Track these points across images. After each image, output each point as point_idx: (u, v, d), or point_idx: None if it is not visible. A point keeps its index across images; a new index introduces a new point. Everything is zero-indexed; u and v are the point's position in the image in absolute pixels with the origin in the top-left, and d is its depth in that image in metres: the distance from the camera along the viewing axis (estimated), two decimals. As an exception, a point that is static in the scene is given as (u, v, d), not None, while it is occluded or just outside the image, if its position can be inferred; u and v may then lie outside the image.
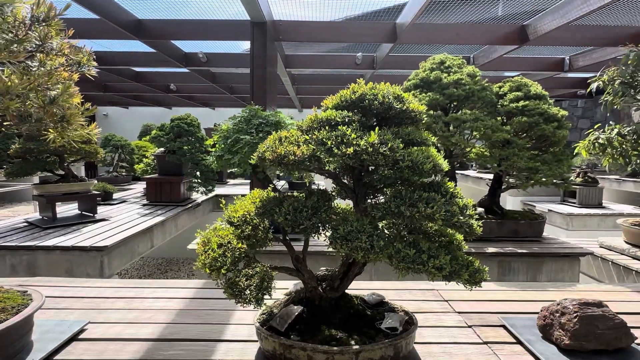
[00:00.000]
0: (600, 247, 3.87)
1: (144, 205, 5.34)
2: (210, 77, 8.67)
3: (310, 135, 1.18)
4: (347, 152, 1.08)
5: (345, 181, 1.45)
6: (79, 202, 4.45)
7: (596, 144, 3.50)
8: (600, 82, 3.48)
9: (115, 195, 5.85)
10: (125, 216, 4.57)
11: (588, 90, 3.59)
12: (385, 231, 1.46)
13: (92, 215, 4.31)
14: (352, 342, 1.30)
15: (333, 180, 1.41)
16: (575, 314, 1.49)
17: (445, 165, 1.20)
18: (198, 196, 5.99)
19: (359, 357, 1.28)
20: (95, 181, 5.36)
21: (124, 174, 8.21)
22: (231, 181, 9.00)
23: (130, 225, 4.07)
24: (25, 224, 4.02)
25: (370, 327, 1.42)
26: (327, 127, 1.18)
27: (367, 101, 1.21)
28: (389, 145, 1.09)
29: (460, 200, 1.17)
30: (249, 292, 1.17)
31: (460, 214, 1.12)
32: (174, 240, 5.42)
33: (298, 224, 1.16)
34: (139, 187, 7.37)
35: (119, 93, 11.14)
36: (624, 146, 3.45)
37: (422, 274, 1.11)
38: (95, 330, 1.73)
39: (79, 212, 4.46)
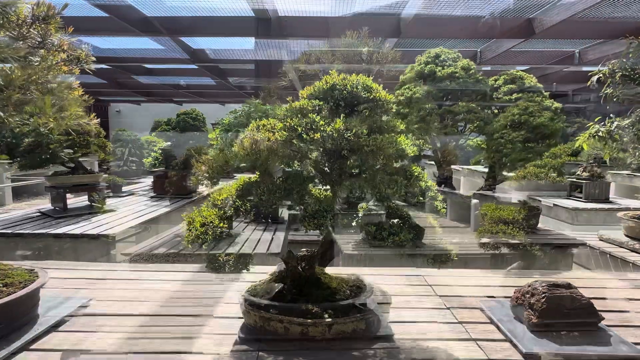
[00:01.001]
0: (600, 239, 3.87)
1: (151, 197, 5.51)
2: (219, 73, 8.81)
3: (284, 123, 1.28)
4: (315, 137, 1.17)
5: (326, 168, 1.54)
6: (89, 193, 4.63)
7: (596, 137, 3.50)
8: (601, 75, 3.46)
9: (124, 188, 6.04)
10: (133, 207, 4.73)
11: (589, 83, 3.58)
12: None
13: (100, 206, 4.48)
14: (326, 316, 1.40)
15: (312, 167, 1.51)
16: (543, 295, 1.56)
17: (410, 150, 1.29)
18: (204, 189, 6.14)
19: (332, 330, 1.37)
20: (104, 174, 5.54)
21: (133, 167, 8.41)
22: (238, 175, 9.14)
23: (136, 216, 4.22)
24: (39, 213, 4.21)
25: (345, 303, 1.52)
26: (299, 115, 1.27)
27: (337, 91, 1.30)
28: (354, 131, 1.18)
29: (424, 182, 1.25)
30: (227, 266, 1.27)
31: (421, 195, 1.20)
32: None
33: (271, 204, 1.26)
34: (148, 180, 7.55)
35: (131, 89, 11.40)
36: (624, 139, 3.45)
37: (385, 248, 1.19)
38: (96, 307, 1.86)
39: (89, 203, 4.64)
